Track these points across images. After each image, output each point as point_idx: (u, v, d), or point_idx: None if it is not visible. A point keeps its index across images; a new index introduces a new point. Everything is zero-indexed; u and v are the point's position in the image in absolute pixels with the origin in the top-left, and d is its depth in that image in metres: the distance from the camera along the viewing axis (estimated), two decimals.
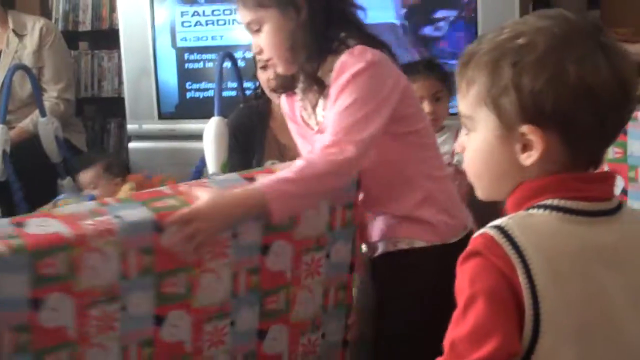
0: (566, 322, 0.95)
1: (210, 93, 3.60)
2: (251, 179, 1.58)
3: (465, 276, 0.96)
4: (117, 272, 1.40)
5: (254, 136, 2.59)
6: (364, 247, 1.81)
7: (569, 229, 0.98)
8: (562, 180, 0.99)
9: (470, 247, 0.98)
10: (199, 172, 3.12)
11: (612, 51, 0.98)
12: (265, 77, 2.31)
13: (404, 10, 3.44)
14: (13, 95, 3.55)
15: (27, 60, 3.71)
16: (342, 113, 1.60)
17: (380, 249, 1.77)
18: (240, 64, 3.37)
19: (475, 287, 0.95)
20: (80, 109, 4.22)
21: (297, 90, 1.80)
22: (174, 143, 3.70)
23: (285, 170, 1.56)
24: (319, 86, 1.71)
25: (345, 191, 1.66)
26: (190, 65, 3.69)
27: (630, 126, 2.39)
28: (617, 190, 2.44)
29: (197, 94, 3.70)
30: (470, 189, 1.10)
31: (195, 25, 3.65)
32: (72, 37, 4.25)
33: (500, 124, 1.00)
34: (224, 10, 3.57)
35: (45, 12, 4.33)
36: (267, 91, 2.38)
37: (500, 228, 0.97)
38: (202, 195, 1.49)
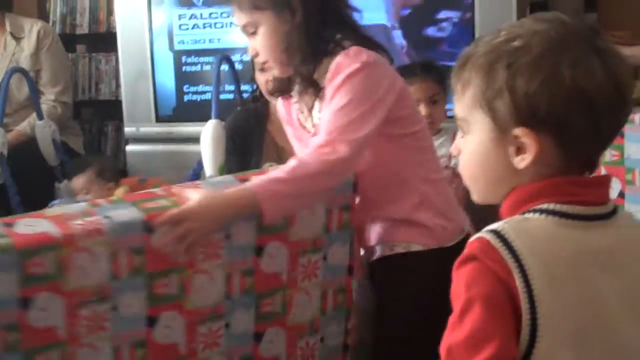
0: (563, 326, 0.95)
1: (207, 96, 3.60)
2: (246, 181, 1.57)
3: (462, 281, 0.96)
4: (107, 272, 1.40)
5: (251, 139, 2.59)
6: (361, 251, 1.81)
7: (564, 233, 0.98)
8: (557, 184, 0.99)
9: (466, 251, 0.98)
10: (196, 175, 3.12)
11: (608, 54, 0.98)
12: (263, 79, 2.31)
13: (406, 11, 3.44)
14: (10, 98, 3.54)
15: (25, 63, 3.71)
16: (336, 113, 1.60)
17: (378, 252, 1.77)
18: (238, 66, 3.37)
19: (471, 292, 0.95)
20: (77, 112, 4.22)
21: (294, 93, 1.80)
22: (171, 146, 3.70)
23: (278, 170, 1.56)
24: (315, 88, 1.71)
25: (341, 193, 1.65)
26: (188, 68, 3.69)
27: (628, 129, 2.39)
28: (614, 193, 2.44)
29: (194, 97, 3.70)
30: (467, 192, 1.09)
31: (193, 28, 3.65)
32: (69, 40, 4.25)
33: (495, 126, 1.00)
34: (221, 13, 3.57)
35: (42, 15, 4.33)
36: (265, 93, 2.38)
37: (496, 232, 0.97)
38: (192, 195, 1.49)
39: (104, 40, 4.26)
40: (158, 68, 3.69)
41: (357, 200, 1.71)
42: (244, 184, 1.54)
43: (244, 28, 1.73)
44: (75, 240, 1.36)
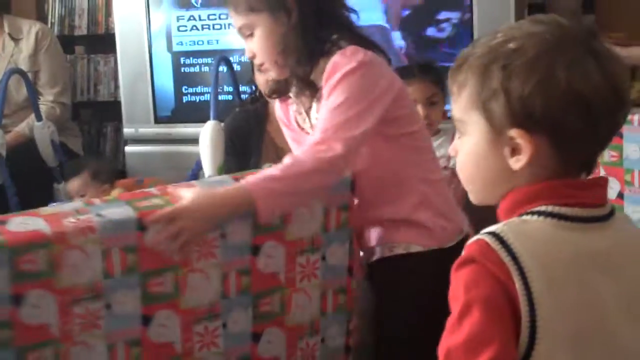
0: (562, 328, 0.95)
1: (206, 97, 3.60)
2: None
3: (460, 283, 0.96)
4: (99, 270, 1.40)
5: (250, 140, 2.59)
6: (360, 252, 1.80)
7: (563, 236, 0.98)
8: (554, 187, 0.99)
9: (465, 253, 0.98)
10: (195, 175, 3.13)
11: (605, 56, 0.98)
12: (263, 80, 2.31)
13: (405, 12, 3.45)
14: (9, 99, 3.54)
15: (23, 64, 3.71)
16: (332, 111, 1.60)
17: (377, 253, 1.76)
18: (236, 67, 3.37)
19: (470, 295, 0.95)
20: (76, 113, 4.22)
21: (291, 94, 1.80)
22: (170, 147, 3.70)
23: (272, 168, 1.55)
24: (312, 89, 1.71)
25: (339, 192, 1.65)
26: (187, 69, 3.69)
27: (626, 129, 2.39)
28: (613, 194, 2.44)
29: (193, 98, 3.70)
30: (466, 193, 1.10)
31: (191, 29, 3.66)
32: (68, 42, 4.25)
33: (490, 127, 1.00)
34: (219, 15, 3.57)
35: (41, 16, 4.32)
36: (265, 94, 2.38)
37: (495, 234, 0.97)
38: (186, 194, 1.49)
39: (102, 42, 4.26)
40: (157, 69, 3.69)
41: (356, 200, 1.71)
42: (238, 182, 1.54)
43: (241, 30, 1.73)
44: (67, 238, 1.37)
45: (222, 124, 2.80)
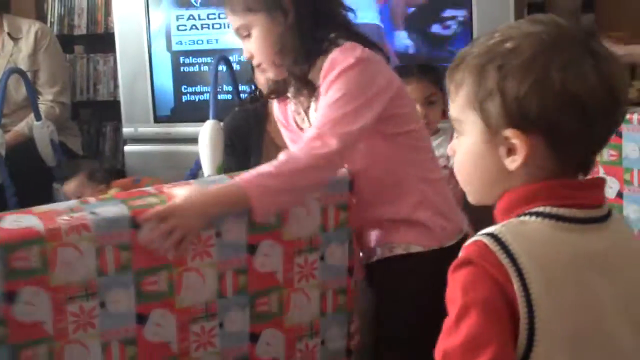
0: (560, 330, 0.95)
1: (205, 96, 3.59)
2: None
3: (458, 285, 0.96)
4: (93, 268, 1.40)
5: (250, 139, 2.59)
6: (360, 253, 1.80)
7: (561, 237, 0.98)
8: (552, 187, 0.99)
9: (462, 255, 0.98)
10: (194, 175, 3.13)
11: (602, 57, 0.98)
12: (263, 79, 2.31)
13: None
14: (8, 99, 3.54)
15: (22, 63, 3.71)
16: (330, 107, 1.59)
17: (377, 254, 1.76)
18: (236, 67, 3.37)
19: (468, 297, 0.94)
20: (75, 112, 4.22)
21: (289, 95, 1.80)
22: (169, 146, 3.70)
23: (267, 165, 1.54)
24: (310, 88, 1.71)
25: (337, 191, 1.64)
26: (186, 69, 3.69)
27: (625, 129, 2.39)
28: (613, 193, 2.44)
29: (192, 97, 3.70)
30: (465, 193, 1.10)
31: (191, 29, 3.65)
32: (67, 41, 4.25)
33: (487, 127, 1.00)
34: (219, 14, 3.57)
35: (40, 15, 4.32)
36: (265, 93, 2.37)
37: (493, 236, 0.97)
38: (180, 192, 1.49)
39: (102, 41, 4.26)
40: (156, 69, 3.69)
41: (355, 200, 1.71)
42: (232, 179, 1.53)
43: (238, 31, 1.73)
44: (60, 235, 1.37)
45: (222, 124, 2.80)
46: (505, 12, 3.21)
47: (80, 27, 4.31)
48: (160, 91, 3.70)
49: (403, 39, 3.44)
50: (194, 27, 3.65)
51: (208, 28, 3.63)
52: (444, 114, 2.61)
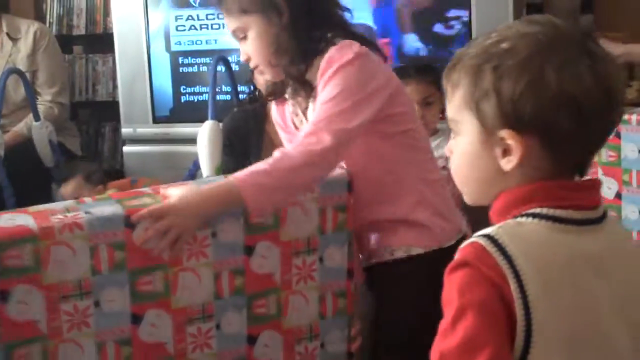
0: (557, 331, 0.94)
1: (204, 97, 3.59)
2: None
3: (454, 287, 0.95)
4: (87, 266, 1.40)
5: (249, 140, 2.58)
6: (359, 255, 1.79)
7: (558, 238, 0.97)
8: (548, 188, 0.99)
9: (459, 257, 0.97)
10: (193, 175, 3.12)
11: (598, 58, 0.97)
12: (262, 80, 2.31)
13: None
14: (7, 99, 3.54)
15: (21, 64, 3.71)
16: (327, 103, 1.58)
17: (377, 257, 1.75)
18: (234, 67, 3.37)
19: (464, 299, 0.94)
20: (74, 112, 4.21)
21: (287, 96, 1.80)
22: (168, 147, 3.70)
23: (261, 163, 1.53)
24: (308, 89, 1.70)
25: (335, 192, 1.63)
26: (185, 69, 3.69)
27: (624, 129, 2.39)
28: (611, 194, 2.44)
29: (191, 98, 3.70)
30: None
31: (190, 29, 3.65)
32: (66, 41, 4.25)
33: (482, 128, 1.00)
34: (218, 15, 3.53)
35: (39, 16, 4.32)
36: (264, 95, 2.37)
37: (490, 237, 0.96)
38: (174, 192, 1.48)
39: (100, 42, 4.25)
40: (155, 69, 3.69)
41: (353, 201, 1.70)
42: (227, 178, 1.53)
43: (235, 33, 1.73)
44: (53, 234, 1.37)
45: (221, 124, 2.80)
46: (504, 13, 3.21)
47: (79, 27, 4.31)
48: (159, 92, 3.70)
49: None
50: (192, 27, 3.65)
51: (207, 28, 3.63)
52: (443, 114, 2.61)
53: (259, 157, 2.50)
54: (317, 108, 1.60)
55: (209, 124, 2.81)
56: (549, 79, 0.95)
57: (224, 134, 2.72)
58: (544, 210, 0.98)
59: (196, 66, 3.67)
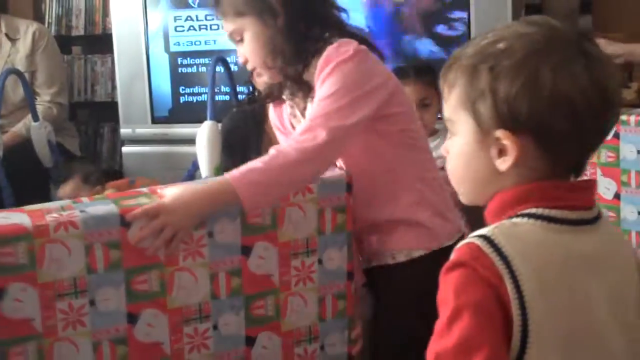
0: (553, 331, 0.94)
1: (203, 97, 3.59)
2: None
3: (450, 287, 0.95)
4: (82, 265, 1.40)
5: (248, 140, 2.58)
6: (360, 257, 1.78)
7: (554, 238, 0.97)
8: (543, 189, 0.99)
9: (454, 257, 0.97)
10: (191, 176, 3.12)
11: (594, 59, 0.98)
12: (262, 80, 2.31)
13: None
14: (6, 100, 3.54)
15: (20, 64, 3.71)
16: (324, 99, 1.57)
17: (378, 260, 1.74)
18: (233, 68, 3.37)
19: (460, 300, 0.94)
20: (73, 113, 4.22)
21: (285, 97, 1.79)
22: (167, 147, 3.70)
23: (256, 160, 1.53)
24: (305, 89, 1.70)
25: (334, 193, 1.62)
26: (184, 70, 3.69)
27: (623, 130, 2.39)
28: (610, 194, 2.44)
29: (190, 99, 3.70)
30: None
31: (189, 30, 3.65)
32: (65, 42, 4.25)
33: (478, 128, 1.00)
34: (217, 15, 3.56)
35: (38, 16, 4.32)
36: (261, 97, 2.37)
37: (486, 238, 0.96)
38: (169, 191, 1.48)
39: (99, 42, 4.26)
40: (154, 70, 3.68)
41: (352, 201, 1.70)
42: (222, 176, 1.52)
43: (231, 35, 1.73)
44: (47, 232, 1.37)
45: (219, 125, 2.79)
46: (502, 14, 3.21)
47: (78, 28, 4.31)
48: (157, 92, 3.70)
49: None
50: (191, 28, 3.65)
51: (206, 29, 3.63)
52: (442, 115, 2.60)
53: (258, 158, 2.50)
54: (315, 105, 1.59)
55: (207, 125, 2.81)
56: (544, 79, 0.95)
57: (223, 134, 2.72)
58: (540, 211, 0.98)
59: (195, 67, 3.67)
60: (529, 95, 0.95)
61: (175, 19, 3.65)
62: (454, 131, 1.04)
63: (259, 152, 2.52)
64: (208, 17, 3.60)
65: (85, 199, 1.52)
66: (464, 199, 1.07)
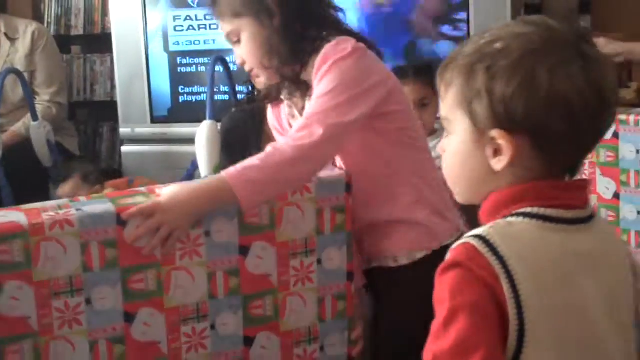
0: (550, 331, 0.94)
1: (202, 97, 3.60)
2: None
3: (446, 288, 0.95)
4: (78, 263, 1.40)
5: (248, 140, 2.58)
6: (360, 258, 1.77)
7: (549, 237, 0.97)
8: (539, 188, 0.99)
9: (450, 257, 0.97)
10: (190, 175, 3.12)
11: (591, 59, 0.97)
12: (260, 81, 2.30)
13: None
14: (5, 99, 3.54)
15: (19, 64, 3.71)
16: (322, 97, 1.56)
17: (378, 262, 1.73)
18: (233, 68, 3.37)
19: (456, 300, 0.94)
20: (72, 112, 4.22)
21: (283, 97, 1.79)
22: (166, 147, 3.70)
23: (253, 158, 1.52)
24: (303, 88, 1.69)
25: (333, 193, 1.61)
26: (183, 69, 3.69)
27: (622, 130, 2.39)
28: (609, 194, 2.44)
29: (189, 98, 3.70)
30: None
31: (188, 29, 3.65)
32: (64, 41, 4.25)
33: (474, 127, 1.00)
34: (214, 16, 3.56)
35: (37, 16, 4.32)
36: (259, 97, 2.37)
37: (482, 237, 0.96)
38: (166, 190, 1.48)
39: (99, 42, 4.26)
40: (153, 69, 3.69)
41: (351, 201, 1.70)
42: (219, 174, 1.52)
43: (229, 37, 1.73)
44: (43, 230, 1.37)
45: (219, 124, 2.80)
46: (502, 14, 3.21)
47: (77, 27, 4.31)
48: (157, 92, 3.71)
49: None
50: (191, 27, 3.65)
51: (205, 29, 3.63)
52: None
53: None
54: (312, 102, 1.58)
55: (207, 124, 2.81)
56: (540, 80, 0.95)
57: (222, 134, 2.72)
58: (535, 210, 0.98)
59: (194, 66, 3.67)
60: (525, 96, 0.95)
61: (174, 19, 3.65)
62: (450, 130, 1.04)
63: (259, 151, 2.50)
64: (207, 17, 3.60)
65: (82, 198, 1.52)
66: (459, 198, 1.07)
